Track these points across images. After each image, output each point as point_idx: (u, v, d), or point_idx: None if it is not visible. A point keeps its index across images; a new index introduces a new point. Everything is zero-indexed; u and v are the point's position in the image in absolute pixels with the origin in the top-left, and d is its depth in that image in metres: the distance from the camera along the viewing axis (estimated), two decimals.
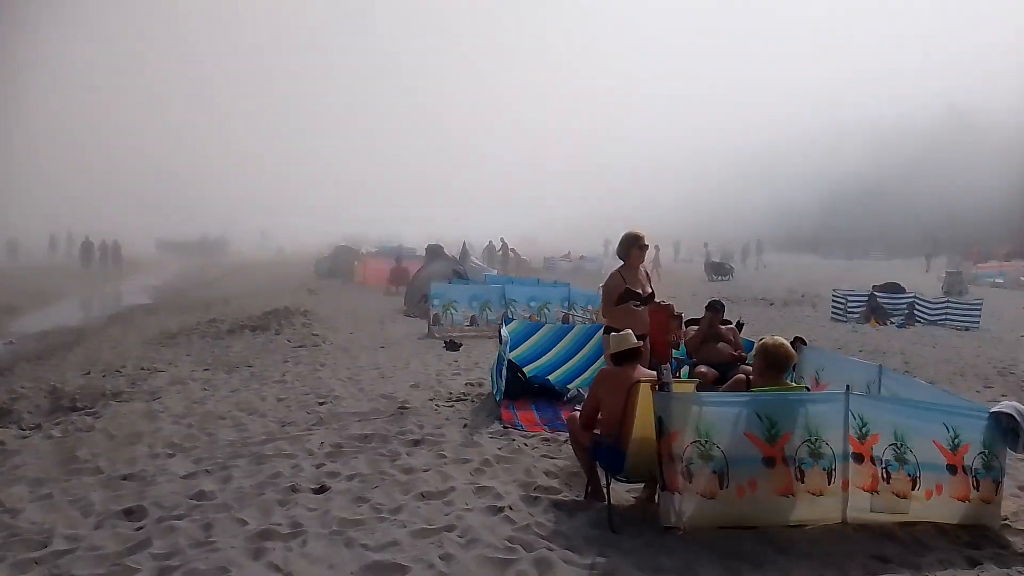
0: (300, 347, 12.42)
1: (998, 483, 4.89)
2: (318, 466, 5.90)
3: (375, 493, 5.30)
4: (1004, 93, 65.51)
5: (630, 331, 5.46)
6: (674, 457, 4.54)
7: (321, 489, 5.39)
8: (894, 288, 20.47)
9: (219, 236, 64.31)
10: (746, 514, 4.59)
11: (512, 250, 38.28)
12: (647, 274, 7.09)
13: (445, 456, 6.14)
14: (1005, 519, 4.95)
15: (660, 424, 4.57)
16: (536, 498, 5.23)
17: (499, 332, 8.55)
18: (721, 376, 7.38)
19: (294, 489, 5.37)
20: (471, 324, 14.51)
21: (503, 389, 7.89)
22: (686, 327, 8.39)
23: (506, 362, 8.00)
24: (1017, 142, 59.35)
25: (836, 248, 62.25)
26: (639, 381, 4.86)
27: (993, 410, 4.92)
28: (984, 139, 62.68)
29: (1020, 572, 4.24)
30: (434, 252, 23.73)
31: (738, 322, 8.54)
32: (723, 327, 8.22)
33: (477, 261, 26.54)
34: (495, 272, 24.79)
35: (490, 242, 39.24)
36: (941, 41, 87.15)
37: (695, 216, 76.37)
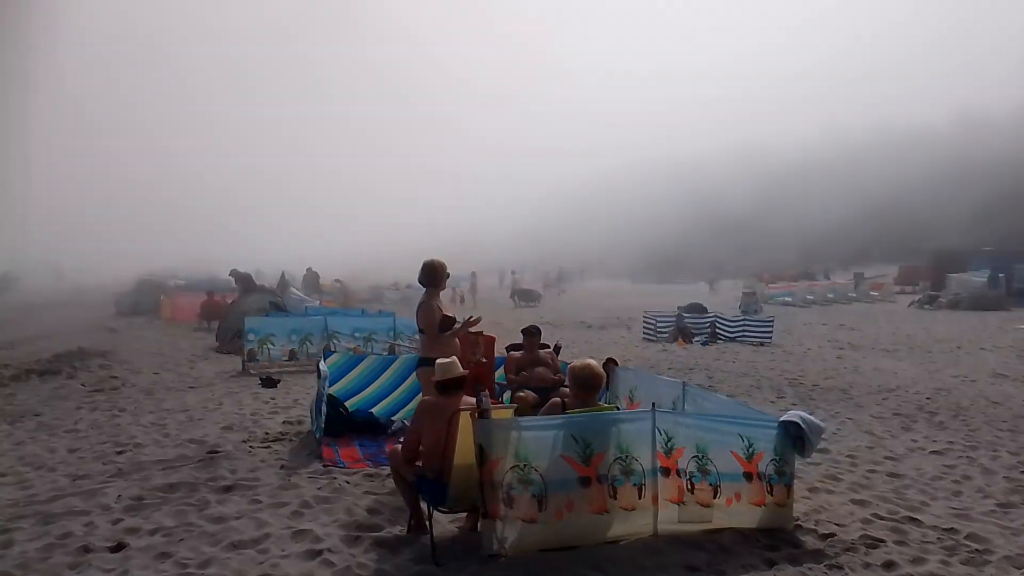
0: (97, 392, 11.36)
1: (789, 487, 5.31)
2: (115, 522, 5.38)
3: (180, 547, 4.91)
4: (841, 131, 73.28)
5: (455, 359, 5.45)
6: (495, 484, 4.55)
7: (118, 547, 4.92)
8: (699, 309, 22.17)
9: (3, 273, 57.88)
10: (565, 535, 4.69)
11: (337, 280, 37.35)
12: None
13: (260, 501, 5.81)
14: (797, 520, 5.38)
15: (481, 452, 4.57)
16: (358, 537, 5.06)
17: (318, 366, 8.25)
18: (542, 400, 7.53)
19: (86, 549, 4.87)
20: (290, 359, 13.93)
21: (323, 426, 7.61)
22: (507, 352, 8.52)
23: (325, 397, 7.73)
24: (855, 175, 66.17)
25: (650, 274, 66.04)
26: (459, 410, 4.84)
27: (782, 419, 5.35)
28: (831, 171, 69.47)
29: (811, 568, 4.60)
30: (243, 280, 22.63)
31: (556, 345, 8.78)
32: (542, 351, 8.42)
33: (297, 292, 25.59)
34: (317, 303, 24.03)
35: (308, 269, 37.95)
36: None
37: (535, 244, 78.33)
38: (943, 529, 5.24)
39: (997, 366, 13.95)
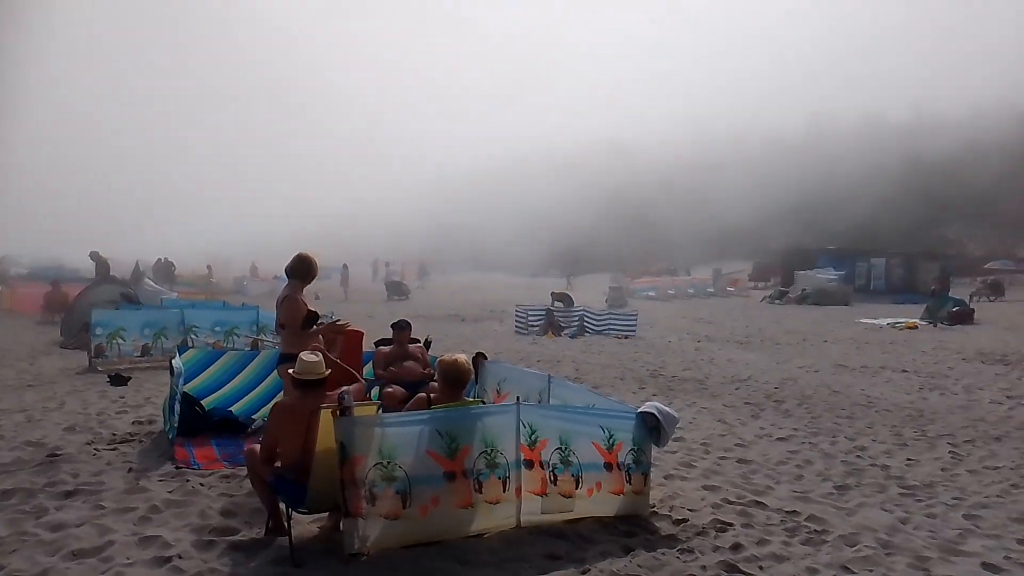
0: None
1: (646, 475, 5.51)
2: None
3: (13, 558, 4.53)
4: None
5: (319, 357, 5.29)
6: (357, 482, 4.46)
7: None
8: (565, 299, 23.01)
9: None
10: (430, 530, 4.66)
11: (208, 267, 35.67)
12: None
13: (104, 507, 5.44)
14: (653, 507, 5.59)
15: (343, 450, 4.47)
16: (211, 542, 4.84)
17: (170, 363, 7.81)
18: (411, 395, 7.46)
19: None
20: (143, 354, 13.14)
21: (176, 426, 7.22)
22: (376, 346, 8.39)
23: (179, 395, 7.34)
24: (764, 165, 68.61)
25: (524, 268, 66.82)
26: (319, 408, 4.71)
27: (640, 410, 5.55)
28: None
29: (664, 553, 4.79)
30: (102, 266, 21.26)
31: (426, 340, 8.73)
32: (411, 345, 8.34)
33: (152, 283, 24.17)
34: (175, 295, 22.81)
35: (160, 259, 35.87)
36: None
37: (415, 239, 77.39)
38: (786, 511, 5.59)
39: (838, 357, 15.05)
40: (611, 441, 5.35)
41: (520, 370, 7.87)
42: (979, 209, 53.26)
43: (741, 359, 14.74)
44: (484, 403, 5.95)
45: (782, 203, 63.75)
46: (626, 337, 19.03)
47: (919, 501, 5.94)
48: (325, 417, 4.64)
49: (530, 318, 20.52)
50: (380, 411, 5.16)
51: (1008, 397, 10.63)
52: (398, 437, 4.62)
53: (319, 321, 6.55)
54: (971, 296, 30.00)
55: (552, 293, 25.12)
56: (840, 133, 70.13)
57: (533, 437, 5.04)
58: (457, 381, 5.15)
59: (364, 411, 4.80)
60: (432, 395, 5.32)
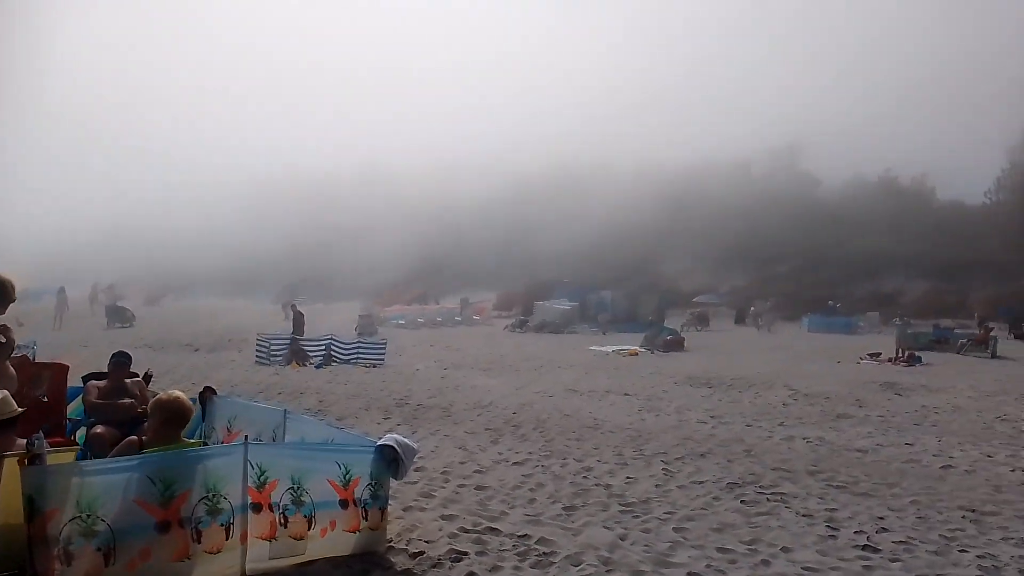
0: None
1: (384, 510, 5.40)
2: None
3: None
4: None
5: (7, 394, 4.58)
6: (48, 540, 3.90)
7: None
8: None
9: None
10: None
11: None
12: None
13: None
14: (391, 541, 5.49)
15: (31, 504, 3.88)
16: None
17: None
18: (124, 436, 6.71)
19: None
20: None
21: None
22: (85, 382, 7.46)
23: None
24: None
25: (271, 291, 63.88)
26: (3, 456, 4.06)
27: (378, 443, 5.44)
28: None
29: None
30: None
31: (146, 373, 7.94)
32: (128, 380, 7.53)
33: None
34: None
35: None
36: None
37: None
38: (518, 536, 5.76)
39: (570, 382, 16.03)
40: (347, 477, 5.18)
41: (253, 405, 7.42)
42: (690, 249, 60.00)
43: (484, 385, 15.18)
44: (207, 443, 5.50)
45: (532, 237, 67.56)
46: (374, 366, 18.83)
47: (636, 517, 6.41)
48: (11, 466, 4.01)
49: (272, 347, 19.60)
50: (85, 456, 4.58)
51: (712, 417, 11.94)
52: (101, 486, 4.11)
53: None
54: (682, 326, 33.58)
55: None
56: (582, 174, 75.56)
57: (262, 478, 4.73)
58: (174, 420, 4.71)
59: (59, 458, 4.22)
60: (143, 437, 4.81)
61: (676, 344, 25.75)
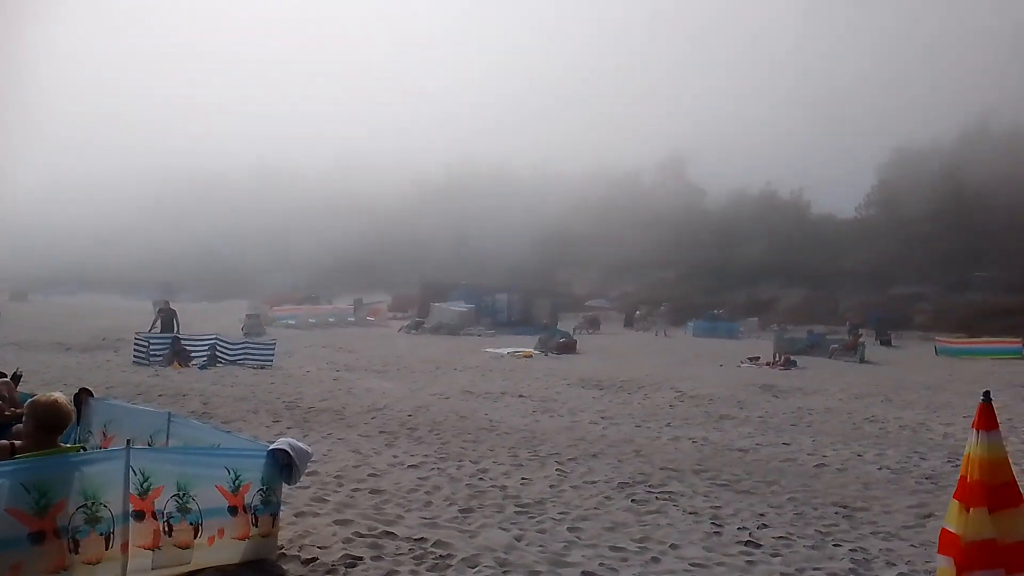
0: None
1: (275, 516, 5.24)
2: None
3: None
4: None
5: None
6: None
7: None
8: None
9: None
10: None
11: None
12: None
13: None
14: (282, 548, 5.34)
15: None
16: None
17: None
18: None
19: None
20: None
21: None
22: None
23: None
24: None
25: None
26: None
27: (271, 448, 5.28)
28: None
29: None
30: None
31: (14, 374, 7.42)
32: None
33: None
34: None
35: None
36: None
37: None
38: (414, 539, 5.71)
39: (466, 384, 16.05)
40: (237, 483, 4.99)
41: (134, 408, 7.06)
42: (583, 256, 61.27)
43: (378, 388, 14.99)
44: (85, 449, 5.18)
45: (429, 239, 67.23)
46: (263, 367, 18.24)
47: (532, 518, 6.49)
48: None
49: (152, 347, 18.67)
50: None
51: (603, 418, 12.22)
52: None
53: None
54: (575, 329, 34.22)
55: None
56: (477, 182, 75.79)
57: (145, 485, 4.49)
58: (51, 425, 4.41)
59: None
60: (17, 442, 4.49)
61: (569, 347, 26.22)
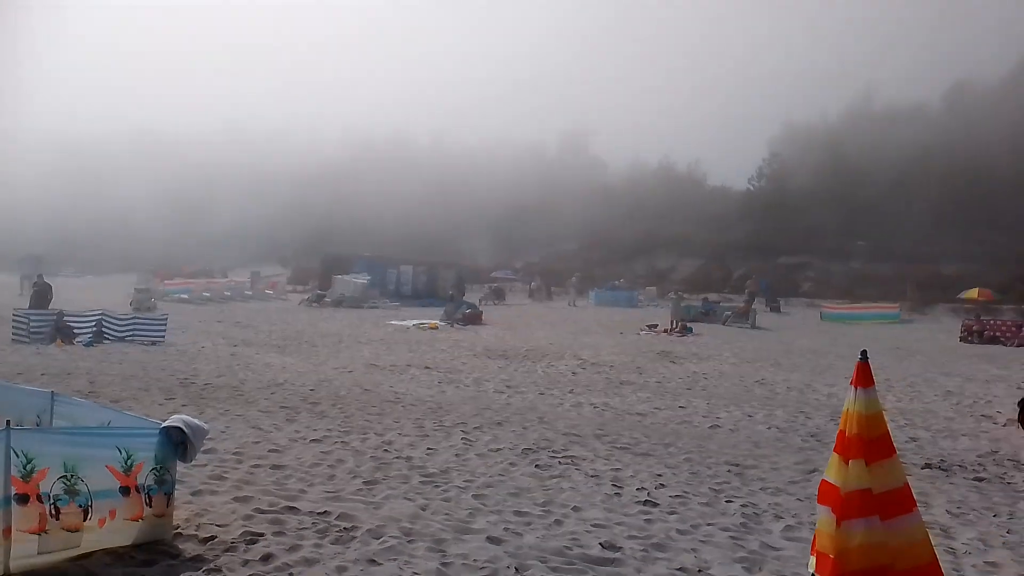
0: None
1: (170, 495, 5.06)
2: None
3: None
4: None
5: None
6: None
7: None
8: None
9: None
10: None
11: None
12: None
13: None
14: (178, 528, 5.17)
15: None
16: None
17: None
18: None
19: None
20: None
21: None
22: None
23: None
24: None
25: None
26: None
27: (164, 425, 5.09)
28: None
29: None
30: None
31: None
32: None
33: None
34: None
35: None
36: None
37: None
38: (317, 513, 5.65)
39: (371, 357, 15.89)
40: (129, 462, 4.79)
41: (13, 387, 6.66)
42: (488, 227, 61.35)
43: (278, 363, 14.64)
44: None
45: (322, 214, 65.63)
46: (154, 343, 17.50)
47: (437, 487, 6.52)
48: None
49: (32, 323, 17.57)
50: None
51: (508, 387, 12.36)
52: None
53: None
54: (480, 300, 34.34)
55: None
56: (376, 153, 74.36)
57: (28, 467, 4.25)
58: None
59: None
60: None
61: (474, 318, 26.30)
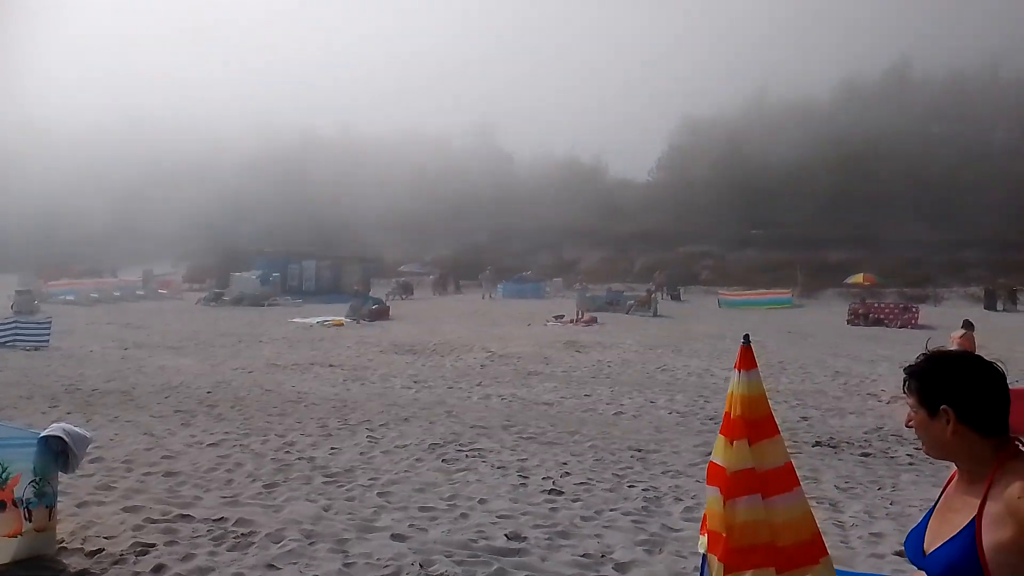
0: None
1: (52, 508, 4.79)
2: None
3: None
4: None
5: None
6: None
7: None
8: None
9: None
10: None
11: None
12: None
13: None
14: (62, 542, 4.90)
15: None
16: None
17: None
18: None
19: None
20: None
21: None
22: None
23: None
24: None
25: None
26: None
27: (42, 435, 4.79)
28: None
29: None
30: None
31: None
32: None
33: None
34: None
35: None
36: None
37: None
38: (213, 520, 5.45)
39: (272, 356, 15.44)
40: (4, 475, 4.50)
41: None
42: (396, 221, 60.66)
43: (173, 365, 14.05)
44: None
45: (228, 208, 63.32)
46: (37, 348, 16.50)
47: (341, 487, 6.40)
48: None
49: None
50: None
51: (415, 382, 12.26)
52: None
53: None
54: (387, 295, 33.94)
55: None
56: (280, 144, 72.16)
57: None
58: None
59: None
60: None
61: (381, 313, 25.97)
